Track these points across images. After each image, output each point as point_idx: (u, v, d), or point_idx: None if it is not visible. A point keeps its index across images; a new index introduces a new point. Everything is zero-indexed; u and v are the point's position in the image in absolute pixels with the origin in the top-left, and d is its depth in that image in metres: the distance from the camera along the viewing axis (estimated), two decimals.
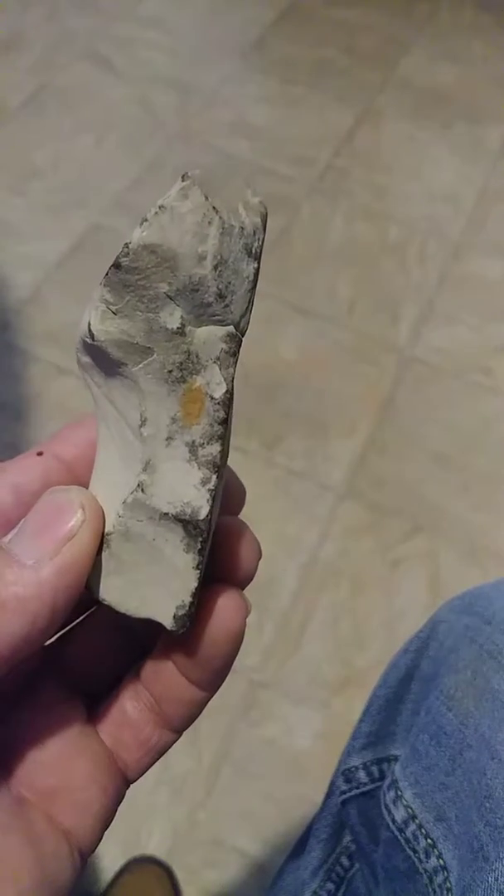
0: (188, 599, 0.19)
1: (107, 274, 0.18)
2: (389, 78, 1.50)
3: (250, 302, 0.20)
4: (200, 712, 0.22)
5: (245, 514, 0.23)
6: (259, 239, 0.20)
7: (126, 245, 0.18)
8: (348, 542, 0.95)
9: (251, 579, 0.22)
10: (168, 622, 0.20)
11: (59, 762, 0.20)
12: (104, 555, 0.20)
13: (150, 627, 0.20)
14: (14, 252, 1.17)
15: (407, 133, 1.41)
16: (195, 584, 0.19)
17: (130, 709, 0.22)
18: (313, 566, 0.93)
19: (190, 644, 0.20)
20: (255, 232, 0.19)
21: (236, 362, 0.19)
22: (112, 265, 0.18)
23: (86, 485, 0.21)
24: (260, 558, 0.22)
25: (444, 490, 1.00)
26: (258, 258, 0.20)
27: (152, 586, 0.20)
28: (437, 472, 1.01)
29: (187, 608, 0.19)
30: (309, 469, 1.00)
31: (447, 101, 1.47)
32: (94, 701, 0.22)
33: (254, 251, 0.19)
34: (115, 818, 0.22)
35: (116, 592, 0.20)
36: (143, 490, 0.19)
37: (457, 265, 1.23)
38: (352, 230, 1.26)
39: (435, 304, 1.18)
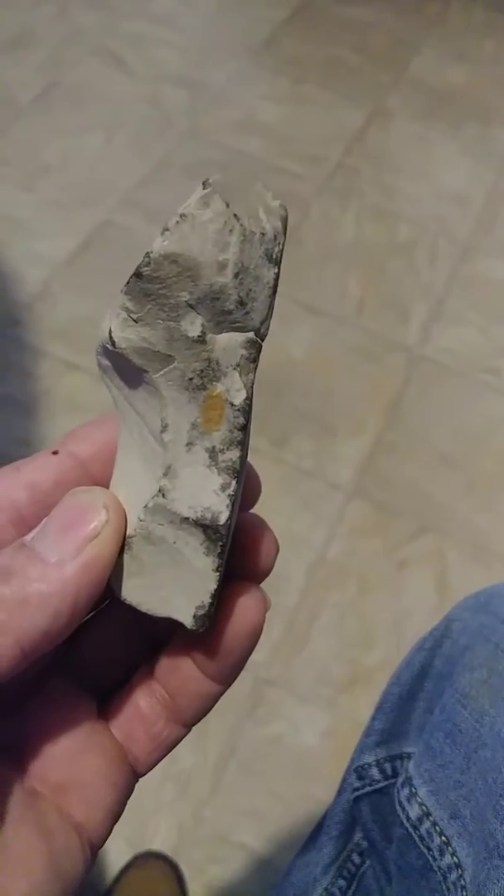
0: (208, 601, 0.20)
1: (128, 282, 0.18)
2: (400, 77, 1.50)
3: (270, 307, 0.20)
4: (213, 706, 0.22)
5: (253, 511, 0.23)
6: (280, 243, 0.20)
7: (147, 254, 0.18)
8: (356, 542, 0.95)
9: (269, 573, 0.22)
10: (188, 621, 0.20)
11: (71, 757, 0.21)
12: (126, 556, 0.20)
13: (164, 623, 0.20)
14: (24, 249, 1.18)
15: (417, 133, 1.41)
16: (214, 587, 0.20)
17: (143, 704, 0.22)
18: (320, 565, 0.93)
19: (210, 640, 0.21)
20: (275, 237, 0.19)
21: (256, 368, 0.19)
22: (133, 274, 0.18)
23: (101, 484, 0.21)
24: (277, 553, 0.22)
25: (452, 490, 1.00)
26: (279, 263, 0.20)
27: (173, 587, 0.20)
28: (445, 473, 1.01)
29: (207, 608, 0.20)
30: (317, 468, 1.00)
31: (457, 101, 1.47)
32: (105, 696, 0.22)
33: (274, 256, 0.19)
34: (122, 813, 0.22)
35: (138, 593, 0.20)
36: (164, 495, 0.19)
37: (466, 265, 1.23)
38: (361, 229, 1.26)
39: (444, 305, 1.18)
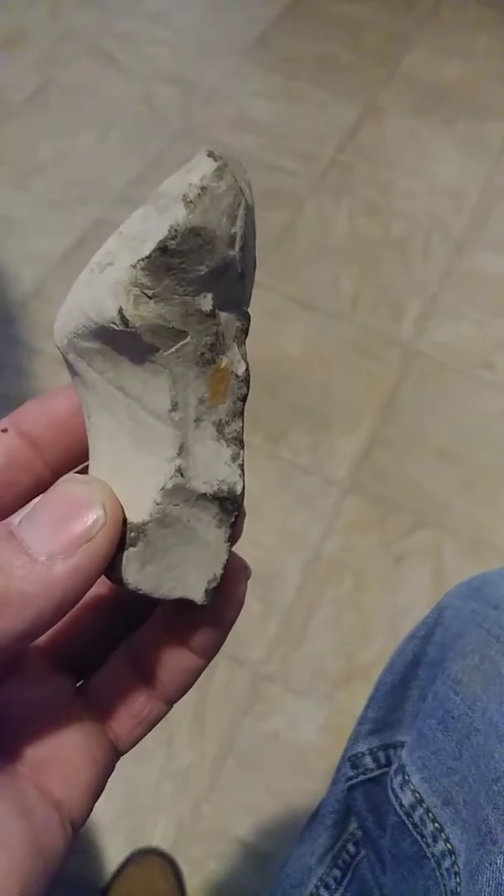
0: (219, 572, 0.20)
1: (147, 257, 0.18)
2: (393, 73, 1.50)
3: (252, 280, 0.20)
4: (195, 681, 0.22)
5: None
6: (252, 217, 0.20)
7: (173, 227, 0.17)
8: (352, 537, 0.95)
9: (238, 538, 0.22)
10: (199, 597, 0.20)
11: (49, 734, 0.21)
12: (141, 545, 0.19)
13: (141, 599, 0.20)
14: (18, 247, 1.17)
15: (410, 129, 1.41)
16: (226, 556, 0.20)
17: (123, 681, 0.22)
18: (317, 560, 0.93)
19: (198, 612, 0.21)
20: (252, 209, 0.20)
21: (245, 339, 0.20)
22: (156, 248, 0.18)
23: (52, 463, 0.21)
24: (244, 517, 0.22)
25: (448, 485, 1.00)
26: (255, 235, 0.20)
27: (184, 566, 0.20)
28: (441, 468, 1.01)
29: (218, 580, 0.20)
30: (313, 464, 1.00)
31: (450, 96, 1.47)
32: (84, 673, 0.22)
33: (255, 228, 0.20)
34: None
35: (152, 579, 0.20)
36: (182, 474, 0.19)
37: (460, 261, 1.23)
38: (355, 226, 1.26)
39: (438, 300, 1.18)
